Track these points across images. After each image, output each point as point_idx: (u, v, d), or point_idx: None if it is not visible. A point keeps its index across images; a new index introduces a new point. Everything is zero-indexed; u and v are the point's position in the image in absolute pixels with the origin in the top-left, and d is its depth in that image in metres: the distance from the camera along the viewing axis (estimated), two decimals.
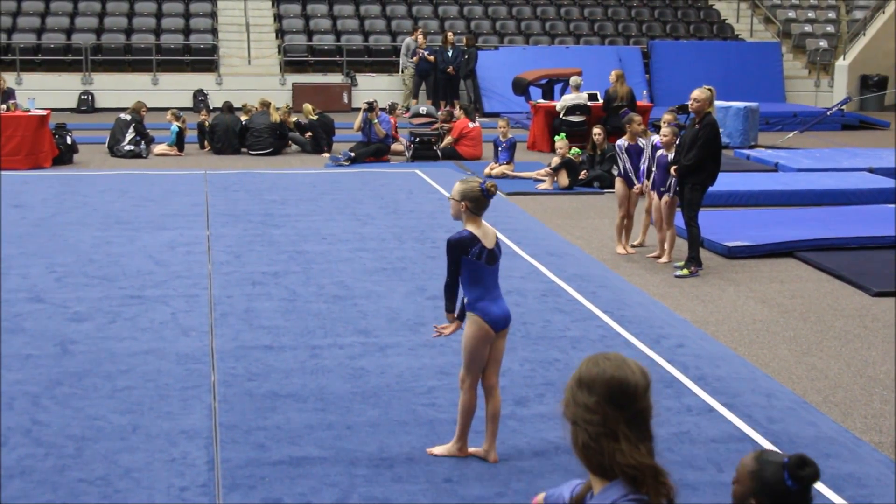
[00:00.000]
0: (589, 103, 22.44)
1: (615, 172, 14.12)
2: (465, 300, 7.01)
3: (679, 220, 13.02)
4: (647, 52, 31.01)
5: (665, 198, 12.91)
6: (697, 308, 11.14)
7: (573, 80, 22.81)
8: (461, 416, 7.11)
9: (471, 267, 6.89)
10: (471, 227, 6.96)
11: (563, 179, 18.00)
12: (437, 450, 7.21)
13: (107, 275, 11.78)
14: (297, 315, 10.31)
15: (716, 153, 12.33)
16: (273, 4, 32.63)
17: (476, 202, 6.97)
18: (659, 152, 13.04)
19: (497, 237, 7.10)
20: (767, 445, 7.35)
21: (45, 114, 19.91)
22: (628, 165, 13.50)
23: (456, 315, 7.15)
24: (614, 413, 3.39)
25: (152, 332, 9.75)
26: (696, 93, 12.23)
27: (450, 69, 27.94)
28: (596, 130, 18.24)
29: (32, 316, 10.20)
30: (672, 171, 12.59)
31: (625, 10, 33.87)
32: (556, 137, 18.75)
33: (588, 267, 12.61)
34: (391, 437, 7.44)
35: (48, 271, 11.89)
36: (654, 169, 13.10)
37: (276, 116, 21.63)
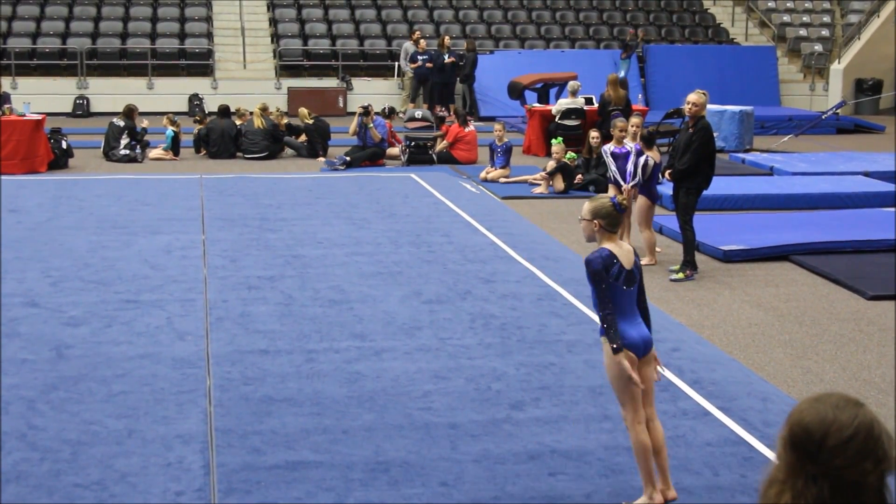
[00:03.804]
0: (584, 107, 22.47)
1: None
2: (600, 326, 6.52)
3: (674, 223, 13.05)
4: (642, 56, 31.03)
5: (640, 200, 13.10)
6: (693, 312, 11.15)
7: (571, 84, 22.82)
8: (637, 459, 6.55)
9: (607, 288, 6.40)
10: (609, 246, 6.49)
11: (559, 183, 18.02)
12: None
13: (102, 279, 11.78)
14: (292, 319, 10.31)
15: (710, 157, 12.36)
16: (268, 9, 32.64)
17: (609, 218, 6.48)
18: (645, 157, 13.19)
19: (636, 256, 6.60)
20: (763, 450, 7.36)
21: (40, 118, 19.91)
22: (614, 168, 13.56)
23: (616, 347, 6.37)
24: (792, 460, 2.88)
25: (148, 337, 9.74)
26: (693, 97, 12.24)
27: (450, 59, 27.67)
28: (593, 134, 18.26)
29: (28, 320, 10.20)
30: (666, 175, 12.63)
31: (620, 14, 33.91)
32: (553, 141, 18.76)
33: (583, 271, 12.55)
34: (387, 441, 7.44)
35: (44, 275, 11.89)
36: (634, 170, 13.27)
37: (258, 122, 21.60)
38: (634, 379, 6.31)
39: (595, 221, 6.49)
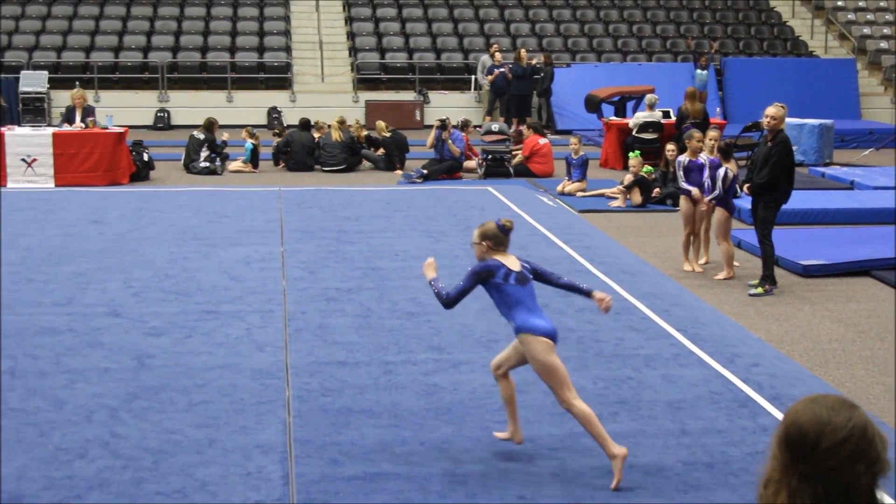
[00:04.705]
0: (662, 121, 22.37)
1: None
2: (513, 327, 7.16)
3: (753, 237, 12.96)
4: (720, 69, 30.83)
5: (718, 213, 13.01)
6: (772, 327, 11.06)
7: (648, 97, 22.75)
8: (588, 428, 7.07)
9: (503, 291, 7.10)
10: (495, 258, 7.18)
11: (636, 197, 17.95)
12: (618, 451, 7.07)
13: (183, 290, 11.93)
14: (370, 331, 10.37)
15: (789, 171, 12.26)
16: (346, 22, 32.87)
17: (495, 239, 7.20)
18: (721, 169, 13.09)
19: (522, 262, 7.28)
20: None
21: (122, 131, 20.21)
22: (683, 179, 13.51)
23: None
24: (786, 459, 2.91)
25: (228, 347, 9.85)
26: (772, 110, 12.16)
27: (535, 61, 27.73)
28: (669, 147, 18.16)
29: (110, 330, 10.35)
30: (745, 189, 12.55)
31: (697, 27, 33.71)
32: (630, 155, 18.71)
33: (661, 285, 12.56)
34: (465, 454, 7.45)
35: (125, 286, 12.06)
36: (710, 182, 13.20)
37: (336, 135, 21.73)
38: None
39: (484, 243, 7.22)
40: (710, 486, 6.99)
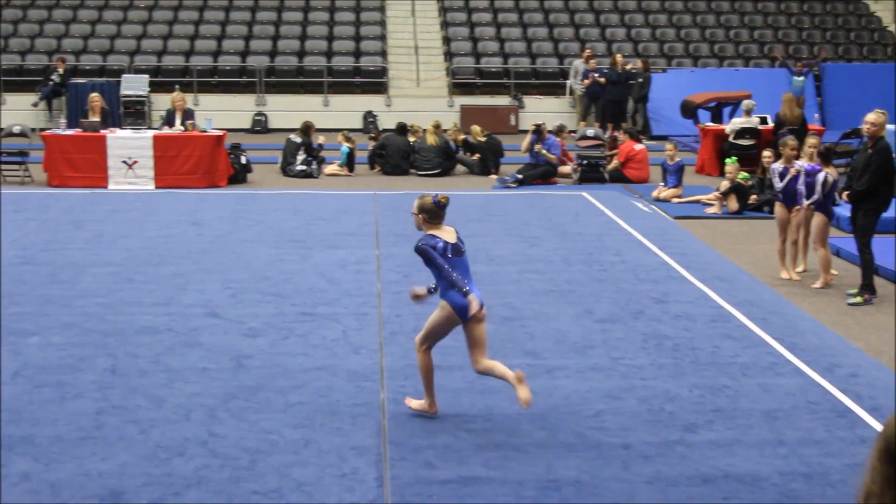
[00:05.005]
0: (759, 127, 22.15)
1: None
2: (438, 289, 8.02)
3: (851, 246, 12.79)
4: (819, 75, 30.43)
5: (816, 218, 12.83)
6: (871, 337, 10.90)
7: (745, 103, 22.55)
8: (422, 377, 8.16)
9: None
10: (430, 231, 7.97)
11: (733, 203, 17.79)
12: (413, 403, 8.28)
13: (280, 291, 12.06)
14: (464, 336, 10.36)
15: (889, 178, 12.09)
16: (442, 27, 32.97)
17: (430, 212, 7.97)
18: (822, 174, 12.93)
19: (457, 233, 8.10)
20: None
21: (220, 134, 20.46)
22: (779, 186, 13.38)
23: (427, 290, 8.25)
24: (888, 472, 2.86)
25: (324, 349, 9.94)
26: (871, 116, 12.01)
27: (629, 66, 27.56)
28: (766, 154, 17.96)
29: (209, 330, 10.51)
30: (844, 196, 12.39)
31: (795, 32, 33.31)
32: (727, 161, 18.54)
33: (758, 292, 12.45)
34: (559, 460, 7.46)
35: (224, 287, 12.22)
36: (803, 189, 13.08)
37: (431, 139, 21.80)
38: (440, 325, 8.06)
39: (420, 216, 8.00)
40: (808, 497, 6.92)
